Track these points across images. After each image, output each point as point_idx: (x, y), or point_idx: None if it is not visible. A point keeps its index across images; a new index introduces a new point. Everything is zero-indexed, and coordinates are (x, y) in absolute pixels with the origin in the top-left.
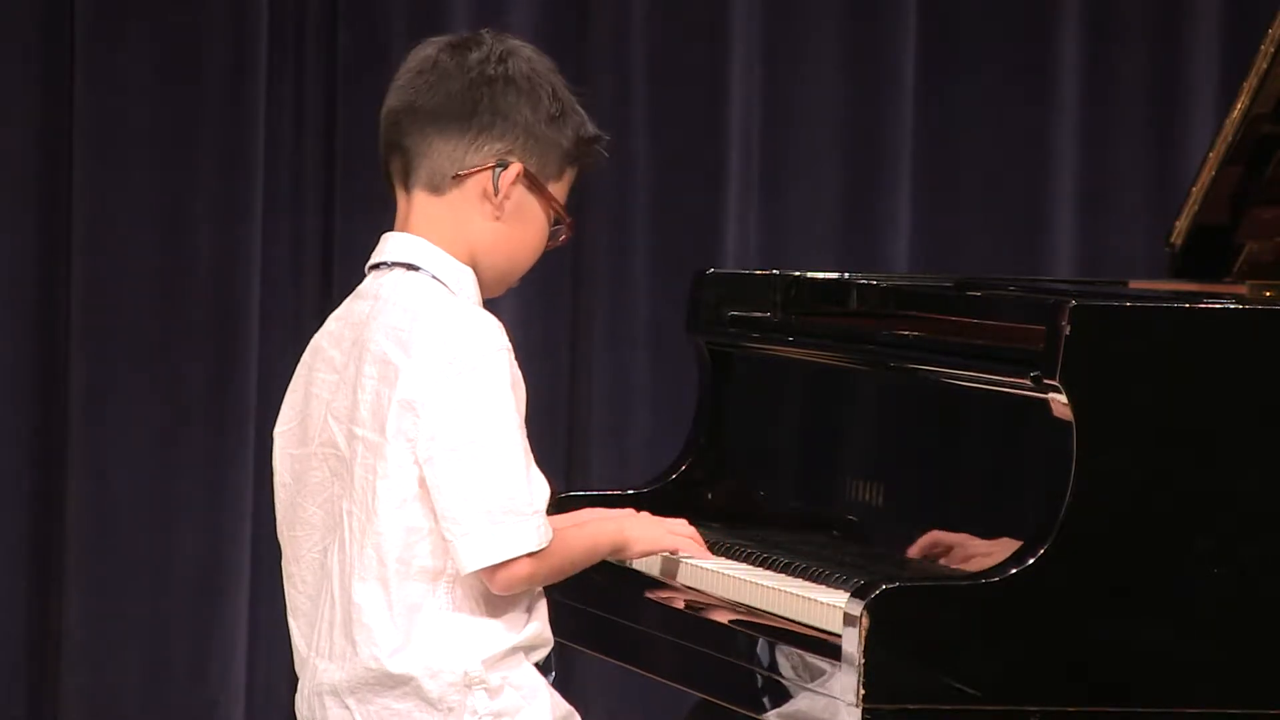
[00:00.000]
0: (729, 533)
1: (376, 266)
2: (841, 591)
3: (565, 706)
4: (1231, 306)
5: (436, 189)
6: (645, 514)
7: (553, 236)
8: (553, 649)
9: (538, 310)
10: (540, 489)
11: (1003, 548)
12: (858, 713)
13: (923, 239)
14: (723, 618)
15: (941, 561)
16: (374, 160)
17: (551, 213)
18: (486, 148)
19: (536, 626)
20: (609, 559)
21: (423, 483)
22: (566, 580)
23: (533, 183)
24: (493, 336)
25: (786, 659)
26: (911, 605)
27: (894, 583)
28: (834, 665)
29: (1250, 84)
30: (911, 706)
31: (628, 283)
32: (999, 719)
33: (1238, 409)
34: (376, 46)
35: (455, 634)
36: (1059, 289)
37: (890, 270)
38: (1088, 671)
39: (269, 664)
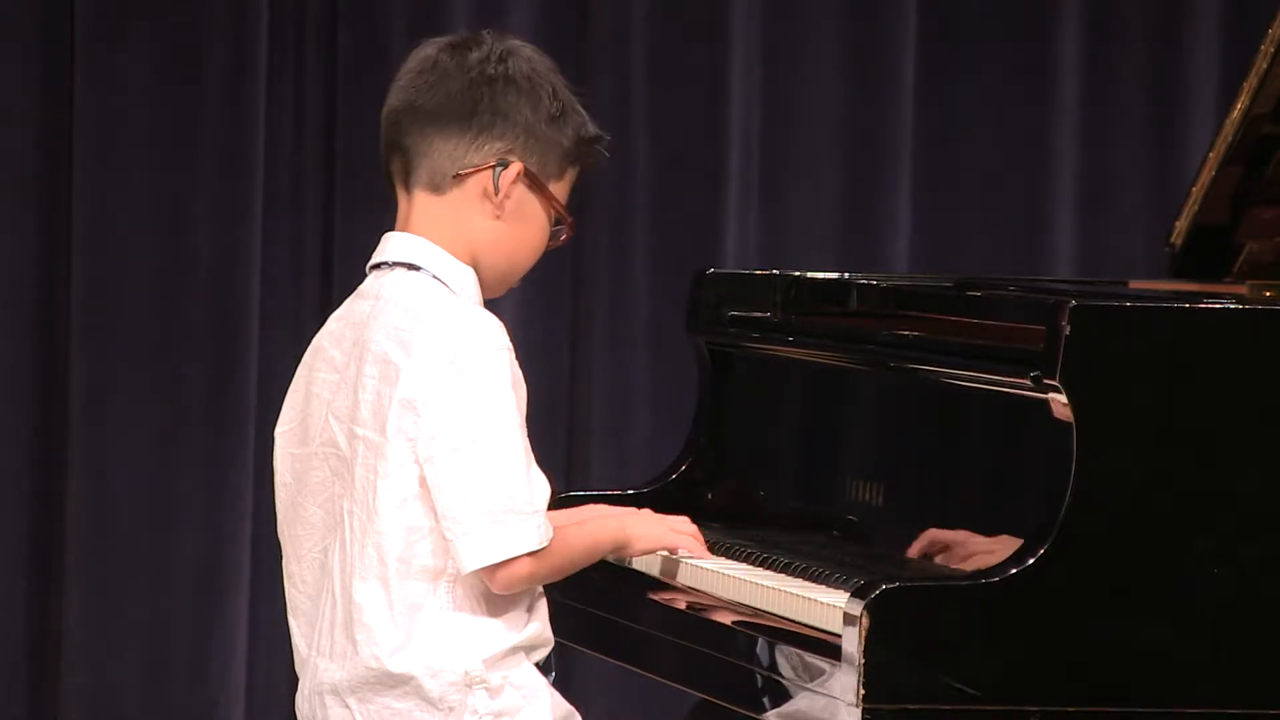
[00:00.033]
0: (729, 533)
1: (377, 266)
2: (841, 591)
3: (566, 706)
4: (1231, 306)
5: (437, 188)
6: (647, 511)
7: (554, 236)
8: (553, 649)
9: (538, 310)
10: (541, 488)
11: (1003, 545)
12: (858, 713)
13: (923, 239)
14: (723, 618)
15: (941, 560)
16: (374, 160)
17: (552, 212)
18: (487, 147)
19: (537, 626)
20: (610, 557)
21: (423, 482)
22: (566, 580)
23: (533, 182)
24: (493, 336)
25: (786, 659)
26: (911, 605)
27: (894, 583)
28: (834, 665)
29: (1250, 84)
30: (911, 706)
31: (628, 283)
32: (999, 719)
33: (1238, 409)
34: (376, 46)
35: (456, 633)
36: (1059, 289)
37: (890, 270)
38: (1088, 671)
39: (269, 664)
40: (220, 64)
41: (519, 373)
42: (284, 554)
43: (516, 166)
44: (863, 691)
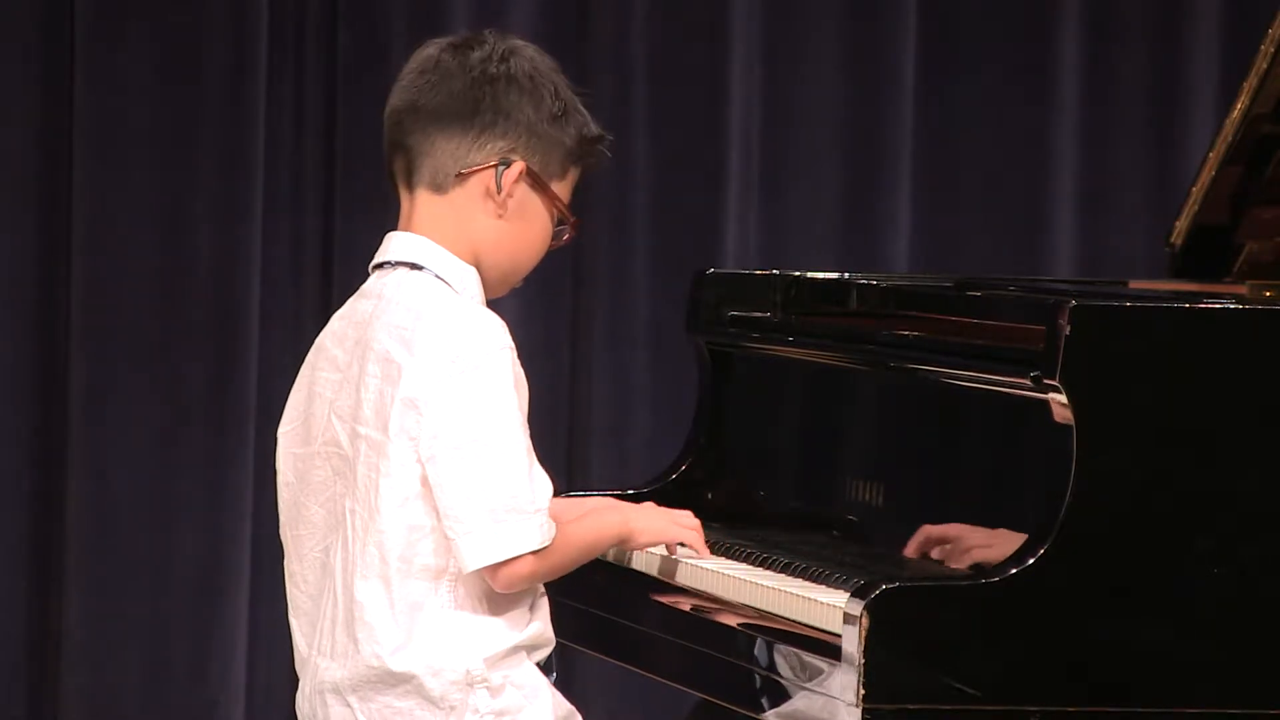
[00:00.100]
0: (729, 533)
1: (380, 266)
2: (841, 591)
3: (566, 706)
4: (1231, 306)
5: (439, 188)
6: (650, 504)
7: (556, 236)
8: (554, 649)
9: (538, 310)
10: (543, 487)
11: (1000, 538)
12: (858, 713)
13: (923, 239)
14: (723, 618)
15: (938, 555)
16: (374, 160)
17: (555, 212)
18: (489, 146)
19: (538, 626)
20: (611, 554)
21: (425, 481)
22: (567, 580)
23: (535, 181)
24: (496, 335)
25: (786, 659)
26: (911, 605)
27: (894, 583)
28: (834, 665)
29: (1250, 84)
30: (911, 706)
31: (628, 283)
32: (999, 719)
33: (1238, 409)
34: (376, 46)
35: (457, 632)
36: (1059, 289)
37: (890, 270)
38: (1088, 671)
39: (269, 664)
40: (220, 64)
41: (521, 372)
42: (286, 553)
43: (519, 165)
44: (863, 691)
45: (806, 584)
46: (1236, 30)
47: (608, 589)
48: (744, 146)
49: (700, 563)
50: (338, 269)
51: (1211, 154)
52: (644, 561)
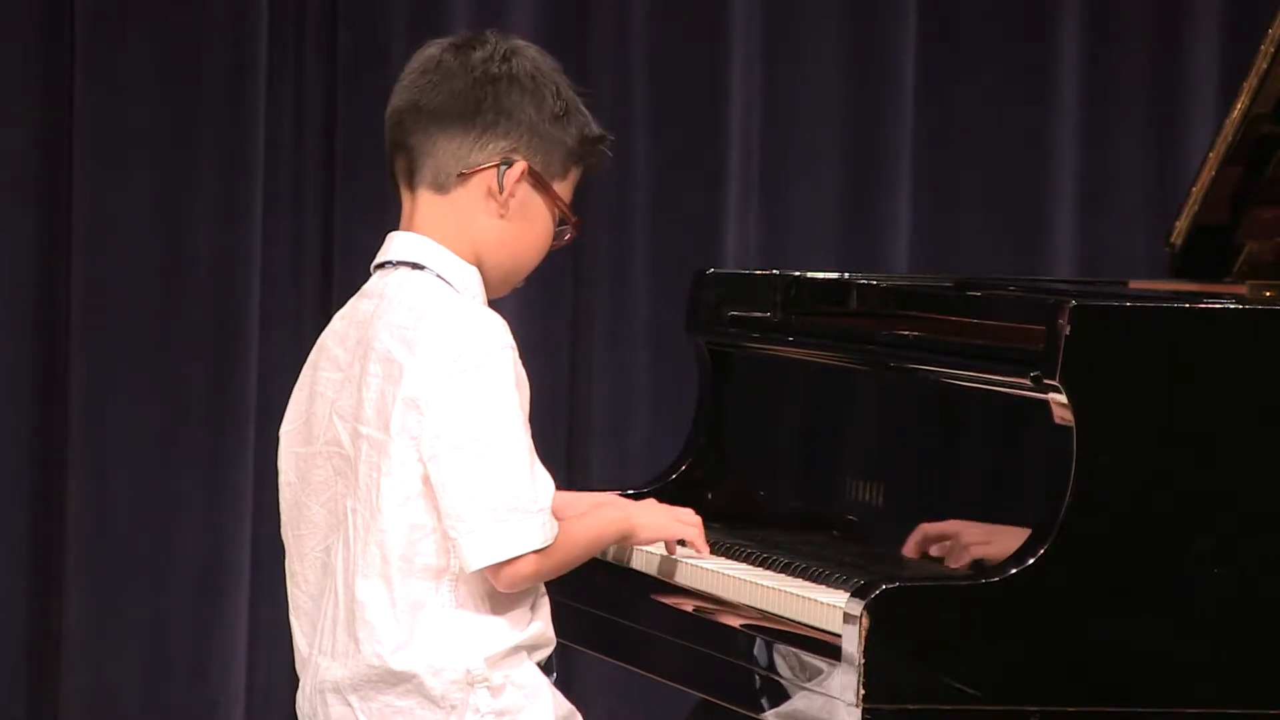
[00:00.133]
0: (729, 533)
1: (382, 265)
2: (841, 591)
3: (567, 706)
4: (1231, 306)
5: (441, 188)
6: (651, 500)
7: (558, 236)
8: (554, 649)
9: (538, 310)
10: (545, 486)
11: (998, 534)
12: (858, 713)
13: (923, 239)
14: (723, 618)
15: (936, 552)
16: (374, 160)
17: (557, 211)
18: (491, 146)
19: (539, 625)
20: (611, 552)
21: (426, 480)
22: (567, 581)
23: (537, 181)
24: (497, 335)
25: (786, 659)
26: (911, 605)
27: (894, 583)
28: (834, 665)
29: (1250, 84)
30: (911, 706)
31: (628, 283)
32: (999, 719)
33: (1238, 409)
34: (376, 46)
35: (458, 632)
36: (1059, 289)
37: (890, 270)
38: (1088, 671)
39: (269, 664)
40: (220, 64)
41: (522, 371)
42: (287, 553)
43: (521, 165)
44: (863, 691)
45: (806, 584)
46: (1236, 30)
47: (608, 589)
48: (744, 146)
49: (700, 563)
50: (338, 269)
51: (1211, 154)
52: (644, 561)
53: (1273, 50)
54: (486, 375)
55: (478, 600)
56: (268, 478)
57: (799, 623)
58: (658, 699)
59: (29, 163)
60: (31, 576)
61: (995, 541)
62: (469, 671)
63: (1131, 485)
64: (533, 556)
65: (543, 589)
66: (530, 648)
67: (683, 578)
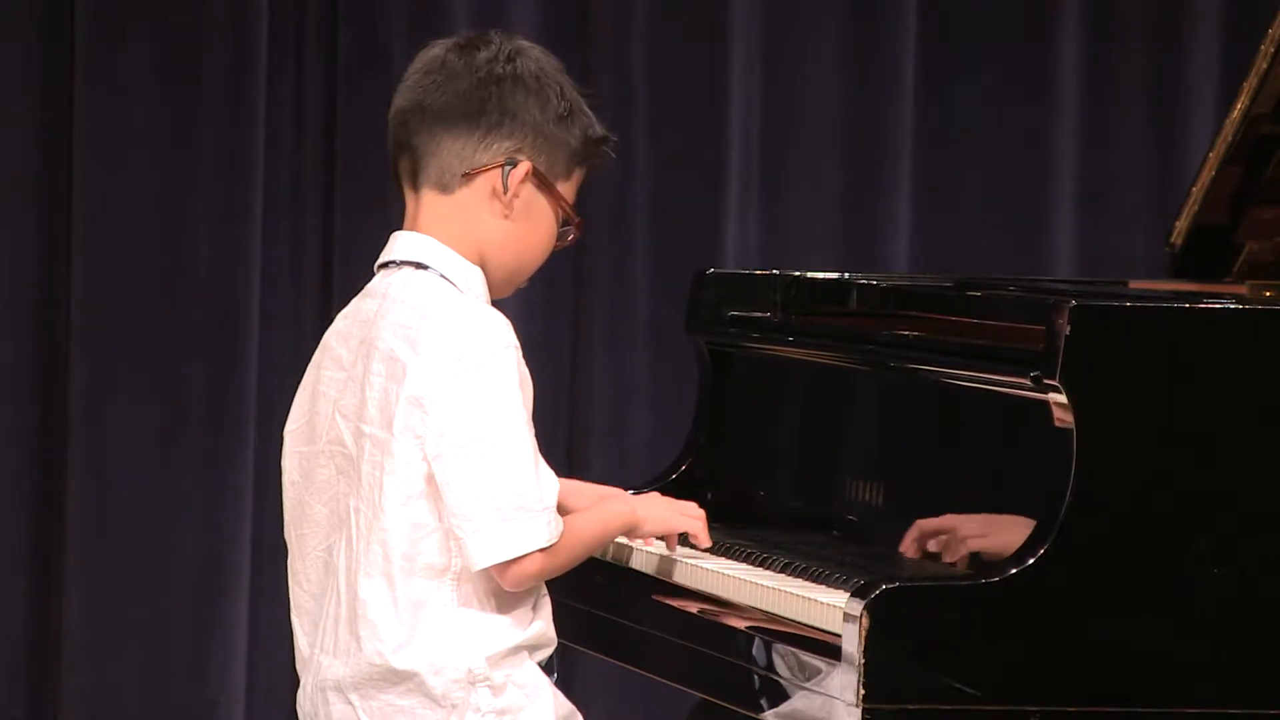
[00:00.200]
0: (729, 533)
1: (385, 265)
2: (841, 591)
3: (568, 706)
4: (1231, 306)
5: (445, 188)
6: (655, 494)
7: (561, 237)
8: (555, 650)
9: (538, 310)
10: (549, 484)
11: (995, 527)
12: (858, 713)
13: (923, 239)
14: (723, 618)
15: (934, 547)
16: (374, 160)
17: (560, 212)
18: (495, 146)
19: (541, 625)
20: (613, 548)
21: (429, 479)
22: (567, 581)
23: (541, 181)
24: (500, 334)
25: (786, 659)
26: (911, 605)
27: (894, 583)
28: (834, 665)
29: (1250, 84)
30: (911, 706)
31: (628, 283)
32: (999, 719)
33: (1238, 409)
34: (376, 46)
35: (460, 631)
36: (1059, 289)
37: (890, 270)
38: (1088, 671)
39: (269, 664)
40: (220, 64)
41: (526, 371)
42: (290, 552)
43: (525, 165)
44: (863, 691)
45: (806, 584)
46: (1236, 30)
47: (608, 589)
48: (744, 146)
49: (700, 563)
50: (338, 269)
51: (1211, 154)
52: (644, 561)
53: (1273, 50)
54: (490, 374)
55: (480, 599)
56: (268, 478)
57: (799, 623)
58: (658, 699)
59: (29, 163)
60: (31, 576)
61: (992, 534)
62: (470, 671)
63: (1131, 485)
64: (538, 555)
65: (544, 589)
66: (532, 647)
67: (683, 578)
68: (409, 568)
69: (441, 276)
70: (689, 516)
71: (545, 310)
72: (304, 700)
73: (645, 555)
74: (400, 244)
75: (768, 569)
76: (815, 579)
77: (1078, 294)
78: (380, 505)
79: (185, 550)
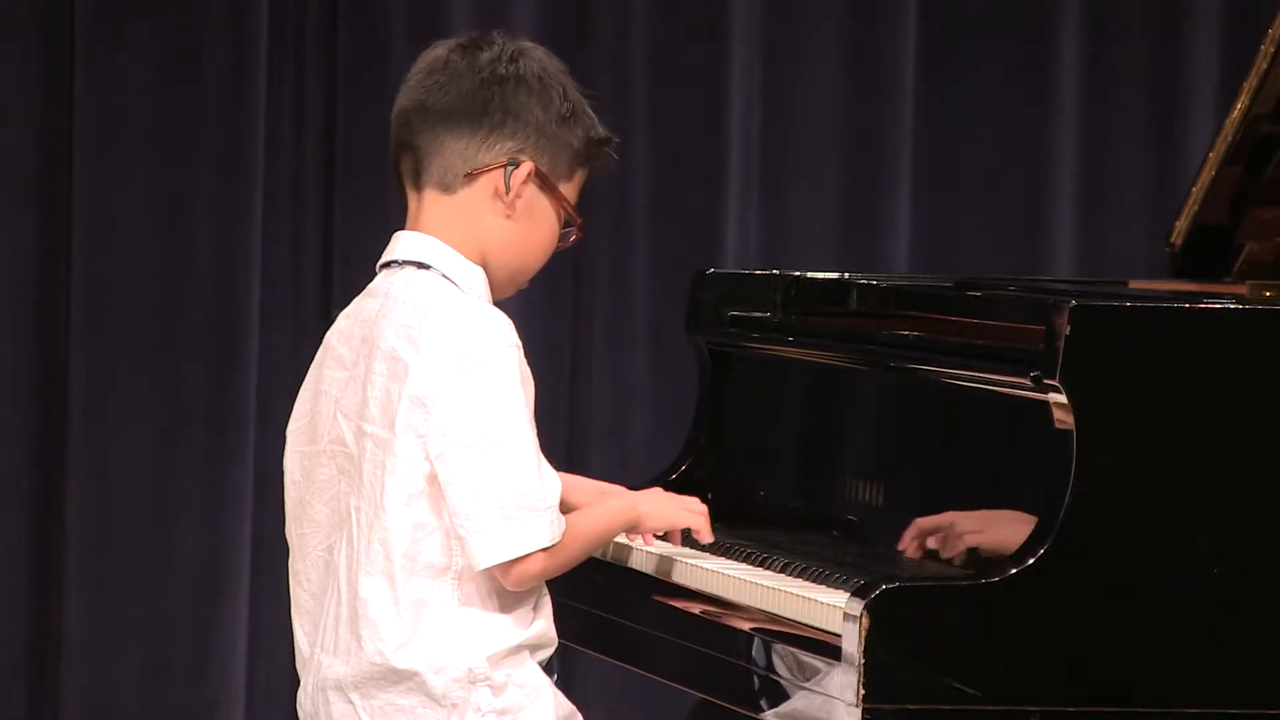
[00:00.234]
0: (729, 533)
1: (388, 264)
2: (841, 591)
3: (568, 706)
4: (1231, 306)
5: (447, 188)
6: (657, 489)
7: (563, 238)
8: (555, 650)
9: (539, 310)
10: (552, 484)
11: (992, 522)
12: (858, 713)
13: (923, 239)
14: (722, 618)
15: (933, 544)
16: (374, 160)
17: (562, 213)
18: (498, 146)
19: (542, 625)
20: (613, 547)
21: (431, 479)
22: (567, 581)
23: (544, 182)
24: (503, 333)
25: (786, 659)
26: (911, 605)
27: (894, 583)
28: (834, 665)
29: (1250, 84)
30: (911, 706)
31: (628, 283)
32: (999, 719)
33: (1238, 409)
34: (376, 46)
35: (461, 630)
36: (1059, 289)
37: (890, 270)
38: (1088, 671)
39: (269, 664)
40: (220, 64)
41: (528, 370)
42: (291, 552)
43: (528, 166)
44: (863, 691)
45: (806, 584)
46: (1236, 30)
47: (608, 589)
48: (744, 146)
49: (700, 563)
50: (338, 269)
51: (1211, 154)
52: (644, 561)
53: (1273, 50)
54: (493, 373)
55: (481, 598)
56: (268, 478)
57: (799, 623)
58: (658, 699)
59: (29, 163)
60: (31, 576)
61: (989, 529)
62: (471, 670)
63: (1131, 485)
64: (541, 555)
65: (545, 588)
66: (533, 647)
67: (683, 578)
68: (410, 567)
69: (443, 276)
70: (692, 512)
71: (545, 310)
72: (304, 699)
73: (645, 555)
74: (402, 244)
75: (768, 569)
76: (815, 579)
77: (1078, 294)
78: (381, 504)
79: (185, 550)
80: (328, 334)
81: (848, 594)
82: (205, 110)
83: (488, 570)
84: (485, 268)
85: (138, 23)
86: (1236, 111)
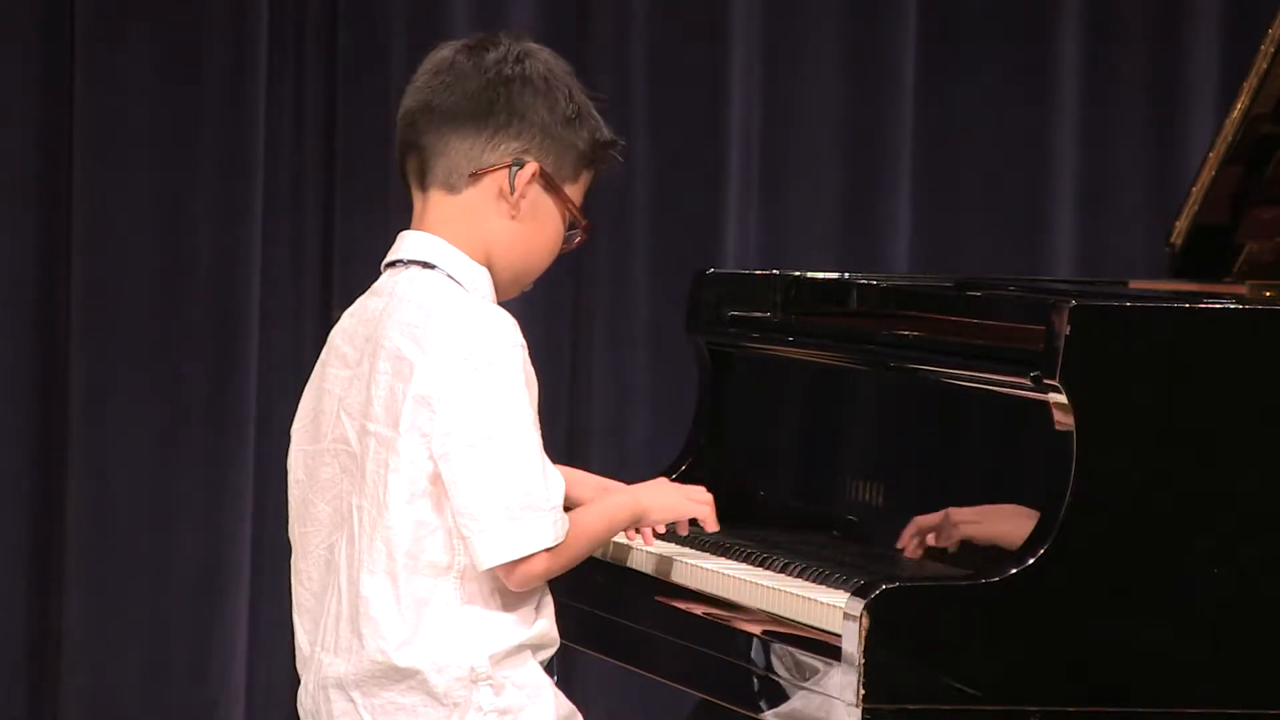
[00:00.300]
0: (729, 533)
1: (392, 264)
2: (841, 591)
3: (568, 706)
4: (1231, 306)
5: (453, 188)
6: (661, 480)
7: (567, 239)
8: (556, 650)
9: (539, 310)
10: (556, 484)
11: (989, 516)
12: (858, 713)
13: (923, 239)
14: (723, 618)
15: (933, 541)
16: (374, 160)
17: (567, 214)
18: (503, 146)
19: (544, 625)
20: (612, 547)
21: (433, 478)
22: (567, 581)
23: (549, 183)
24: (507, 333)
25: (786, 659)
26: (911, 605)
27: (894, 583)
28: (834, 665)
29: (1250, 84)
30: (911, 706)
31: (628, 283)
32: (999, 719)
33: (1238, 409)
34: (376, 46)
35: (463, 629)
36: (1059, 289)
37: (890, 270)
38: (1088, 671)
39: (269, 664)
40: (220, 64)
41: (531, 370)
42: (293, 550)
43: (532, 166)
44: (863, 691)
45: (806, 584)
46: (1236, 30)
47: (608, 589)
48: (744, 146)
49: (700, 563)
50: (338, 269)
51: (1211, 154)
52: (644, 561)
53: (1273, 50)
54: (498, 373)
55: (484, 598)
56: (268, 478)
57: (799, 623)
58: (658, 699)
59: (29, 163)
60: (31, 576)
61: (986, 521)
62: (473, 669)
63: (1131, 485)
64: (545, 554)
65: (547, 588)
66: (535, 647)
67: (683, 578)
68: (412, 566)
69: (448, 276)
70: (697, 501)
71: (545, 310)
72: (305, 698)
73: (645, 555)
74: (407, 243)
75: (768, 569)
76: (815, 579)
77: (1078, 294)
78: (384, 503)
79: (185, 550)
80: (332, 333)
81: (848, 594)
82: (205, 110)
83: (490, 570)
84: (490, 268)
85: (138, 23)
86: (1236, 111)
